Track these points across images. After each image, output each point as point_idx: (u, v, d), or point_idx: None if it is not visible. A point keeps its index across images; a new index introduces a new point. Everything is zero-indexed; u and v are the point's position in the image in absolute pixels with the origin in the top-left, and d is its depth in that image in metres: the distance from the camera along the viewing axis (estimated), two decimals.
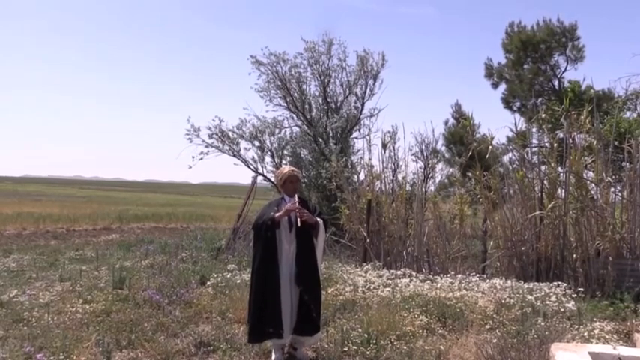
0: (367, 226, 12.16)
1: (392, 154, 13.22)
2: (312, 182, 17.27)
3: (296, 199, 6.30)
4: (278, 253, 6.13)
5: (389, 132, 13.64)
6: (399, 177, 13.18)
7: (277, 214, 6.14)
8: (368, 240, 12.16)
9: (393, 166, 13.22)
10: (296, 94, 18.37)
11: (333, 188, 14.44)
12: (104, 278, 10.62)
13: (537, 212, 10.21)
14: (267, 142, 18.16)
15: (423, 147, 13.50)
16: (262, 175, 17.68)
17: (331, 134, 17.83)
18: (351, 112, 18.38)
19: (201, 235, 17.45)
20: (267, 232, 6.10)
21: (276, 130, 18.18)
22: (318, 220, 6.25)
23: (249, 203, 14.28)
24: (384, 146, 13.07)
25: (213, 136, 17.70)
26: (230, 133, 17.84)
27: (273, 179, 16.10)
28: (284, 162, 17.95)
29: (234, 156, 17.91)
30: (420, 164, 13.53)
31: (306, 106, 18.48)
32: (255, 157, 18.15)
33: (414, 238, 11.93)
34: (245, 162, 17.90)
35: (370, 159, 14.03)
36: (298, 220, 6.08)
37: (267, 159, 18.20)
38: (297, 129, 18.60)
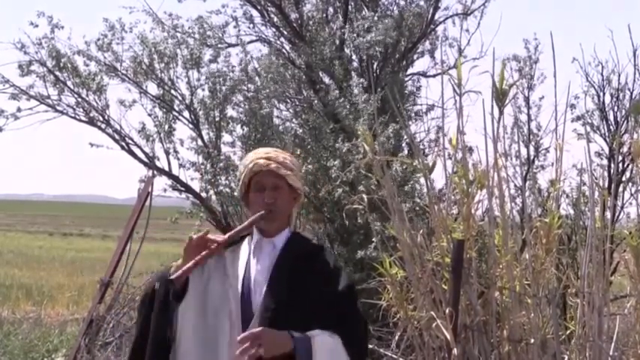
0: (454, 315, 5.74)
1: (519, 116, 8.10)
2: (306, 195, 7.50)
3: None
4: None
5: (515, 60, 7.98)
6: (542, 179, 8.03)
7: (177, 273, 2.80)
8: (456, 351, 5.62)
9: (523, 152, 8.03)
10: None
11: (361, 209, 6.22)
12: None
13: None
14: (182, 86, 8.10)
15: (606, 100, 7.66)
16: (169, 174, 8.19)
17: (356, 63, 8.47)
18: (409, 6, 8.44)
19: None
20: (161, 321, 2.78)
21: (207, 52, 8.22)
22: (316, 338, 2.59)
23: (131, 251, 6.90)
24: (501, 98, 5.65)
25: (34, 67, 7.94)
26: (80, 60, 8.03)
27: (198, 187, 7.95)
28: (227, 140, 8.24)
29: (92, 122, 8.10)
30: (599, 145, 7.77)
31: None
32: (151, 129, 8.03)
33: (582, 347, 5.87)
34: (120, 136, 8.15)
35: (462, 130, 5.05)
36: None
37: (183, 130, 8.10)
38: (265, 48, 8.61)
